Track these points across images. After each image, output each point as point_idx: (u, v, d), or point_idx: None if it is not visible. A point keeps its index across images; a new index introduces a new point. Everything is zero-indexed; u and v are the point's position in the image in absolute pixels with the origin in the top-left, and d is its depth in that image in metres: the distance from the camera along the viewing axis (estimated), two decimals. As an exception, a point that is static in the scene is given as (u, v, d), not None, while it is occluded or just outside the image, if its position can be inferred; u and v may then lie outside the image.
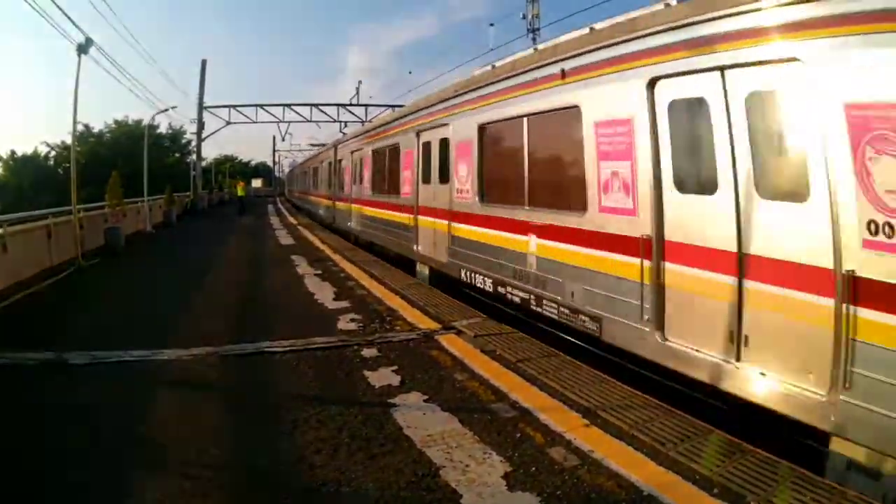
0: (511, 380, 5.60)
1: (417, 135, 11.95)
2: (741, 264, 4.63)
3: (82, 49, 14.15)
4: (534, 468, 3.90)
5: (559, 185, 7.37)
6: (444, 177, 10.52)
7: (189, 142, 53.97)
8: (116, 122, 55.17)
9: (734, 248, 4.67)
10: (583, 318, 6.47)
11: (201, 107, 42.81)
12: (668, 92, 5.36)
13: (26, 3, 12.62)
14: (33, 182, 45.66)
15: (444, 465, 3.95)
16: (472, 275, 9.26)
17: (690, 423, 4.58)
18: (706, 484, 3.66)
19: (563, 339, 7.14)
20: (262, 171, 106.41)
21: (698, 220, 5.05)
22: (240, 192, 39.43)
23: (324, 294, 9.94)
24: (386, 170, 14.78)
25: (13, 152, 51.28)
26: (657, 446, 4.17)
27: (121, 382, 5.73)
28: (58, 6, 13.46)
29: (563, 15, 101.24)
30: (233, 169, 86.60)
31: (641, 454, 4.07)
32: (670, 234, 5.34)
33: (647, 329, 5.51)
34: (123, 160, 32.76)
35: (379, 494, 3.62)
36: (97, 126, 54.05)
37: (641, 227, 5.56)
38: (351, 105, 45.04)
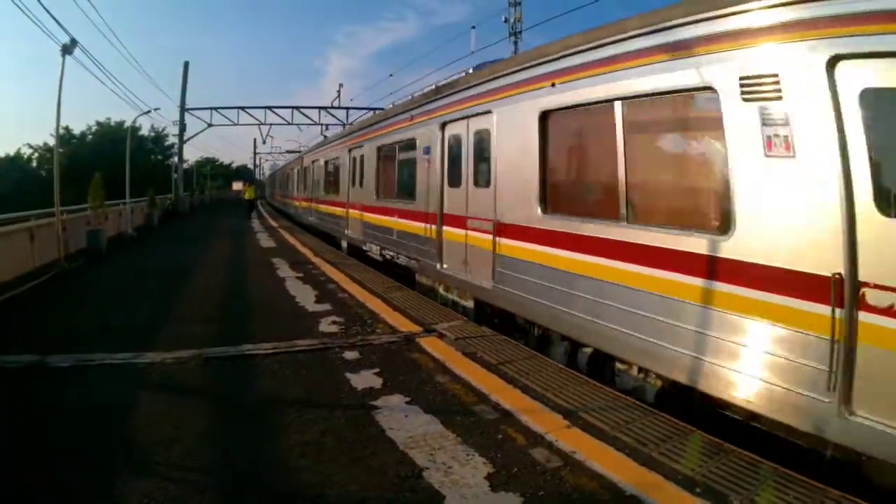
0: (492, 382, 5.61)
1: None
2: None
3: (67, 50, 13.88)
4: (516, 469, 3.91)
5: None
6: None
7: (172, 144, 53.47)
8: (98, 123, 54.57)
9: None
10: None
11: (183, 109, 42.37)
12: None
13: (12, 2, 12.41)
14: (15, 183, 44.86)
15: (427, 466, 3.94)
16: None
17: (672, 423, 4.63)
18: (689, 483, 3.69)
19: (543, 341, 7.12)
20: (243, 173, 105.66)
21: None
22: (247, 196, 38.84)
23: (305, 297, 9.88)
24: None
25: (-5, 154, 50.57)
26: (639, 447, 4.20)
27: (103, 385, 5.63)
28: (43, 6, 13.27)
29: (544, 18, 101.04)
30: (214, 171, 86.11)
31: (623, 455, 4.10)
32: None
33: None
34: (105, 162, 32.22)
35: (363, 496, 3.60)
36: (79, 128, 53.47)
37: None
38: (332, 108, 44.95)
